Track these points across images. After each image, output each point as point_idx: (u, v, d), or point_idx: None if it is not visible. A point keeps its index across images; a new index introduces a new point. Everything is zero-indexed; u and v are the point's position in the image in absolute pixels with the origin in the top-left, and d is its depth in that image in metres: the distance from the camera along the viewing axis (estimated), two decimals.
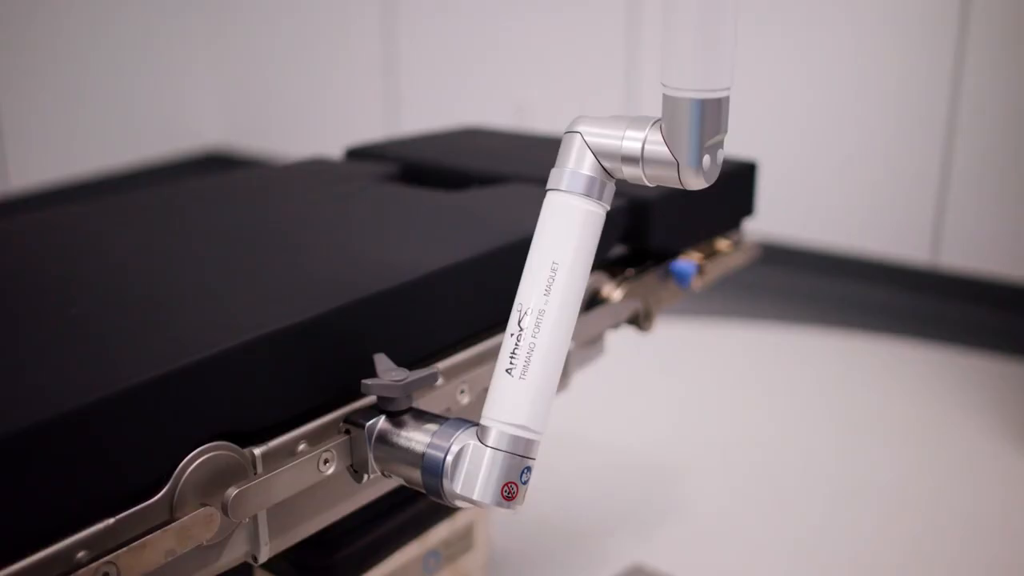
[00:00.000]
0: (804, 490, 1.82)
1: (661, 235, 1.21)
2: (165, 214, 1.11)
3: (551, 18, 3.20)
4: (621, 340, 1.52)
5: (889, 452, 1.96)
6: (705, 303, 2.65)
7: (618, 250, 1.25)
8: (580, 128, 0.80)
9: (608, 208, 0.80)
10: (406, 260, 0.95)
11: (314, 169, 1.33)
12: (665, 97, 0.76)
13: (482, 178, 1.29)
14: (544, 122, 3.07)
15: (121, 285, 0.90)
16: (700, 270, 1.27)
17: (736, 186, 1.36)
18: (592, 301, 1.15)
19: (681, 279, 1.25)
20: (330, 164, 1.35)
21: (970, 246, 2.72)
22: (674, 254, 1.27)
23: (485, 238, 1.02)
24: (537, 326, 0.78)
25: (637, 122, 0.78)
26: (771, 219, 2.90)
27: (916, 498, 1.80)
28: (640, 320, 1.22)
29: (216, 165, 3.97)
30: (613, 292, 1.16)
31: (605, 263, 1.21)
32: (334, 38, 3.66)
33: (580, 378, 1.27)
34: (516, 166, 1.32)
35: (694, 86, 0.74)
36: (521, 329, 0.78)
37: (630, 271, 1.20)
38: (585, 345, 1.17)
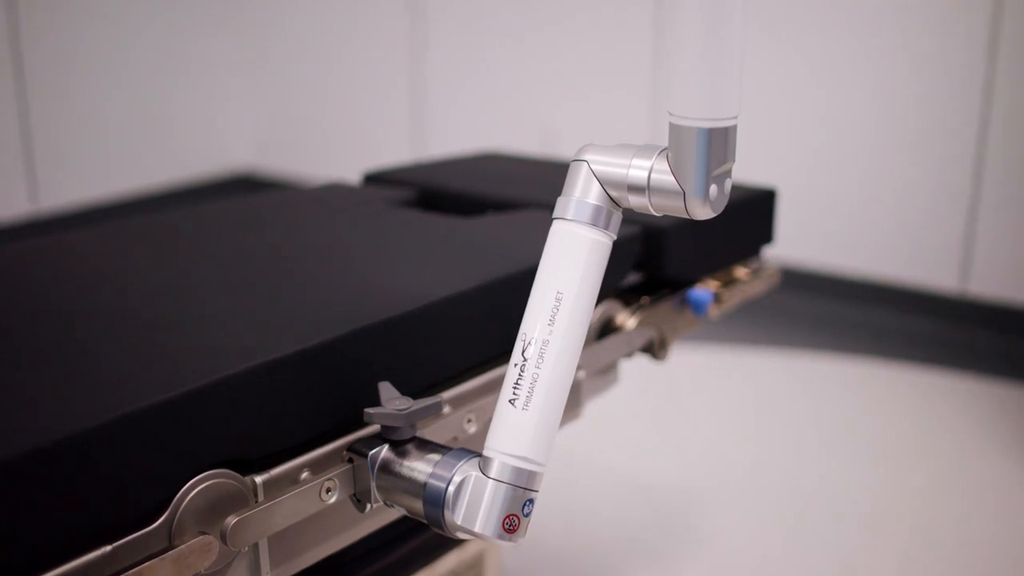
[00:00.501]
0: (827, 521, 1.79)
1: (677, 263, 1.20)
2: (176, 238, 1.11)
3: (579, 43, 3.20)
4: (638, 367, 1.51)
5: (915, 483, 1.93)
6: (728, 329, 2.63)
7: (634, 278, 1.24)
8: (587, 156, 0.79)
9: (615, 237, 0.79)
10: (415, 287, 0.94)
11: (330, 194, 1.33)
12: (671, 126, 0.75)
13: (498, 204, 1.29)
14: (570, 147, 3.07)
15: (127, 309, 0.90)
16: (717, 298, 1.26)
17: (755, 213, 1.35)
18: (605, 329, 1.14)
19: (697, 308, 1.24)
20: (347, 189, 1.35)
21: (1000, 273, 2.69)
22: (691, 282, 1.26)
23: (496, 265, 1.01)
24: (541, 356, 0.77)
25: (644, 150, 0.78)
26: (795, 244, 2.88)
27: (943, 530, 1.77)
28: (655, 349, 1.20)
29: (245, 187, 3.99)
30: (627, 321, 1.15)
31: (619, 291, 1.20)
32: (363, 63, 3.67)
33: (596, 405, 1.26)
34: (533, 192, 1.31)
35: (701, 115, 0.74)
36: (525, 359, 0.77)
37: (645, 299, 1.19)
38: (598, 374, 1.15)
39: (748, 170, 2.55)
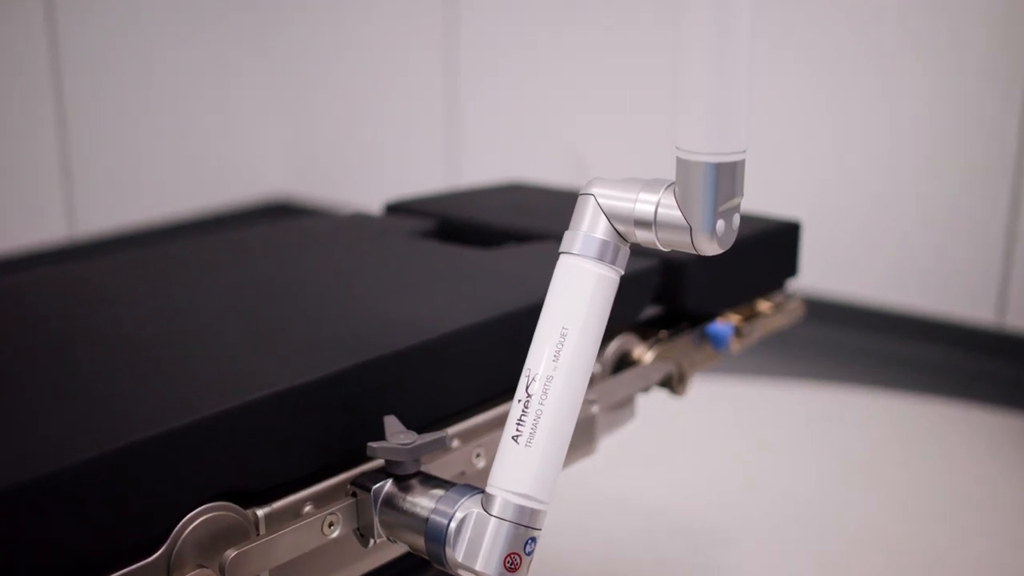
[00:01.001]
0: (857, 560, 1.76)
1: (696, 297, 1.19)
2: (191, 268, 1.12)
3: (616, 71, 3.20)
4: (657, 400, 1.49)
5: (948, 523, 1.89)
6: (753, 361, 2.61)
7: (654, 311, 1.23)
8: (594, 190, 0.78)
9: (622, 272, 0.78)
10: (425, 319, 0.94)
11: (351, 224, 1.33)
12: (678, 160, 0.74)
13: (519, 235, 1.28)
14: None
15: (137, 339, 0.90)
16: (738, 332, 1.24)
17: (778, 246, 1.33)
18: (621, 363, 1.12)
19: (717, 342, 1.22)
20: (368, 219, 1.35)
21: None
22: (712, 316, 1.24)
23: (510, 298, 1.00)
24: (545, 393, 0.76)
25: (651, 185, 0.77)
26: (825, 274, 2.85)
27: (977, 572, 1.73)
28: (673, 383, 1.19)
29: (280, 214, 4.02)
30: (644, 355, 1.13)
31: (638, 324, 1.19)
32: (399, 90, 3.69)
33: (615, 439, 1.24)
34: (554, 223, 1.30)
35: (708, 149, 0.73)
36: (529, 395, 0.76)
37: (663, 333, 1.18)
38: (614, 408, 1.14)
39: (776, 199, 2.53)
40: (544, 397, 0.76)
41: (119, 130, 3.48)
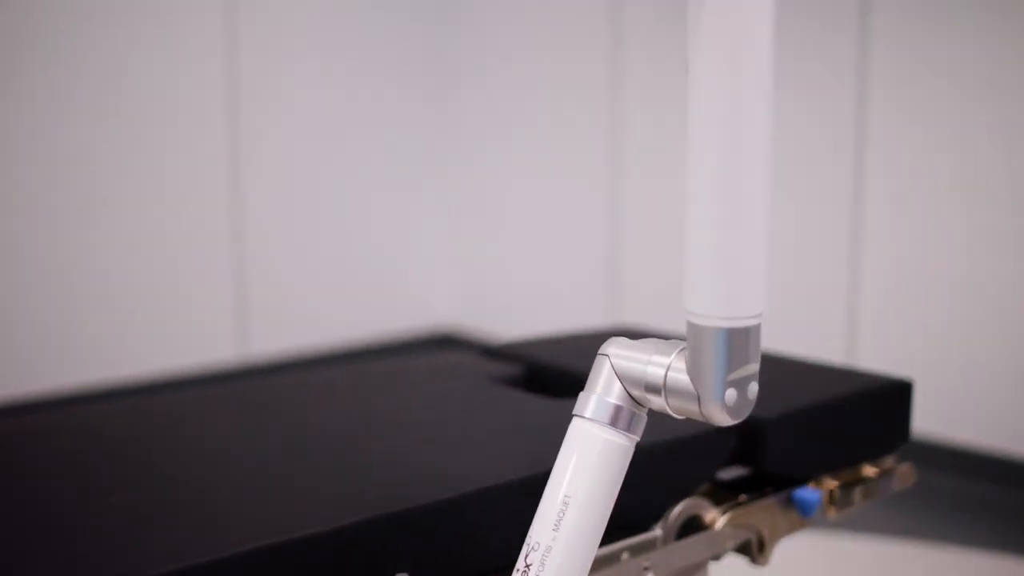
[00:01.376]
0: None
1: (779, 459, 1.11)
2: (263, 407, 1.12)
3: (775, 207, 3.13)
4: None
5: None
6: (878, 514, 2.43)
7: (740, 471, 1.16)
8: (609, 351, 0.75)
9: (638, 439, 0.74)
10: (460, 473, 0.91)
11: (437, 366, 1.32)
12: (688, 323, 0.70)
13: None
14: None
15: (171, 477, 0.91)
16: (832, 498, 1.16)
17: (885, 408, 1.24)
18: (689, 528, 1.06)
19: (804, 510, 1.14)
20: (456, 362, 1.34)
21: None
22: (804, 479, 1.16)
23: (555, 454, 0.96)
24: (542, 565, 0.71)
25: (666, 346, 0.72)
26: (946, 419, 2.66)
27: None
28: (752, 551, 1.11)
29: (445, 345, 4.07)
30: (716, 519, 1.07)
31: (720, 485, 1.12)
32: (563, 224, 3.73)
33: None
34: None
35: (718, 313, 0.68)
36: (527, 566, 0.72)
37: (743, 497, 1.10)
38: None
39: (889, 347, 2.36)
40: (541, 569, 0.71)
41: (294, 254, 3.62)
